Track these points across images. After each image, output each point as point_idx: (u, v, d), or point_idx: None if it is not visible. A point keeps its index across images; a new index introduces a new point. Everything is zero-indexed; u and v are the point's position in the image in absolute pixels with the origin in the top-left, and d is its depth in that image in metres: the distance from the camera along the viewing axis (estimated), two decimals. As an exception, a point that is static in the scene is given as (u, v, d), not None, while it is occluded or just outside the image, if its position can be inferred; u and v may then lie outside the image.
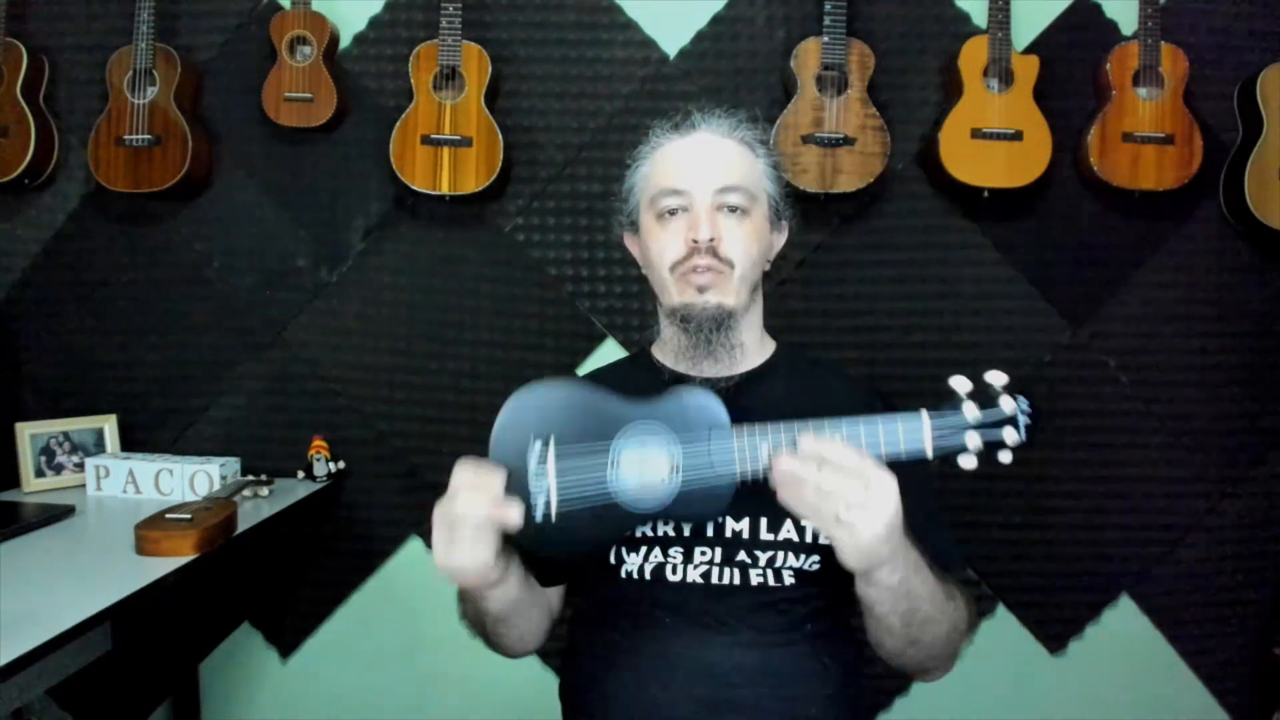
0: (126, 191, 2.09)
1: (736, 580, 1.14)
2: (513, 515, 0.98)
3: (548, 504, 1.01)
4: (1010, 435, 0.98)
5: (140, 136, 2.07)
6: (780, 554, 1.14)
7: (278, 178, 2.22)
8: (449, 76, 2.08)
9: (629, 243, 1.35)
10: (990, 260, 2.20)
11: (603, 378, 1.36)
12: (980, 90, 2.05)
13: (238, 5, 2.20)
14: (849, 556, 0.94)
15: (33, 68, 2.12)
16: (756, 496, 1.10)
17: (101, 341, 2.25)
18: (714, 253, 1.17)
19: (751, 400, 1.21)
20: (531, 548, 1.05)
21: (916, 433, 0.98)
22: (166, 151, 2.08)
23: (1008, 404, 0.99)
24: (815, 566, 1.15)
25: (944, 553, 1.18)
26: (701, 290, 1.18)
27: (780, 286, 2.18)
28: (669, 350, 1.28)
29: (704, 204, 1.18)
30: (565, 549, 1.06)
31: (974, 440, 0.98)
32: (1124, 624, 2.26)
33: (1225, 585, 2.25)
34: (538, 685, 2.21)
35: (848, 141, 2.05)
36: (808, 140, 2.05)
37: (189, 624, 2.14)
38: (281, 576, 2.27)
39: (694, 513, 1.04)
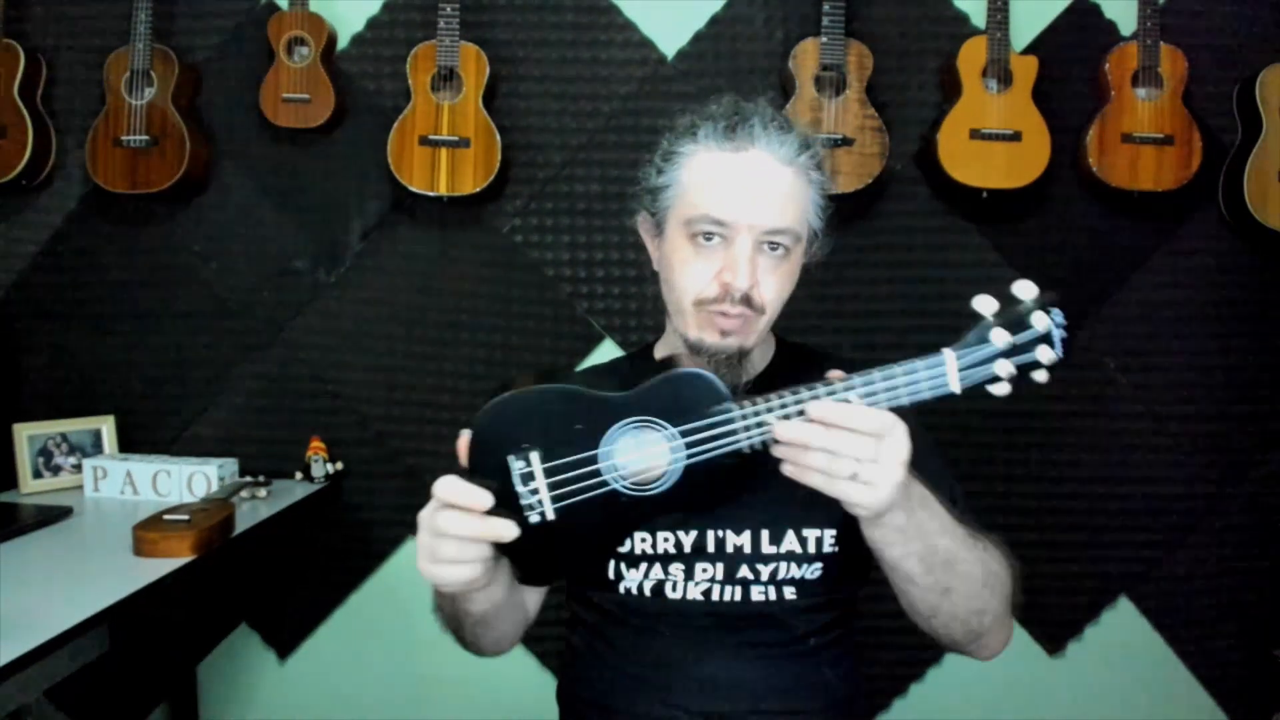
0: (124, 192, 2.09)
1: (738, 597, 1.12)
2: (506, 531, 0.89)
3: (542, 507, 0.93)
4: (1045, 354, 0.88)
5: (138, 137, 2.07)
6: (783, 565, 1.11)
7: (275, 179, 2.22)
8: (447, 77, 2.07)
9: (644, 230, 1.22)
10: (989, 261, 2.20)
11: (599, 375, 1.35)
12: (979, 91, 2.04)
13: (235, 6, 2.19)
14: (860, 510, 0.89)
15: (30, 68, 2.12)
16: (758, 509, 1.06)
17: (99, 342, 2.24)
18: (748, 300, 1.06)
19: None
20: (530, 550, 0.95)
21: (940, 375, 0.88)
22: (164, 152, 2.08)
23: (1040, 320, 0.88)
24: (816, 574, 1.12)
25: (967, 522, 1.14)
26: (725, 334, 1.08)
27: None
28: (669, 352, 1.24)
29: (744, 244, 1.05)
30: (570, 547, 0.97)
31: (1006, 368, 0.88)
32: (1123, 625, 2.26)
33: (1225, 585, 2.24)
34: (536, 686, 2.21)
35: (846, 142, 2.05)
36: (806, 141, 2.04)
37: (187, 625, 2.14)
38: (279, 578, 2.27)
39: (701, 498, 0.94)
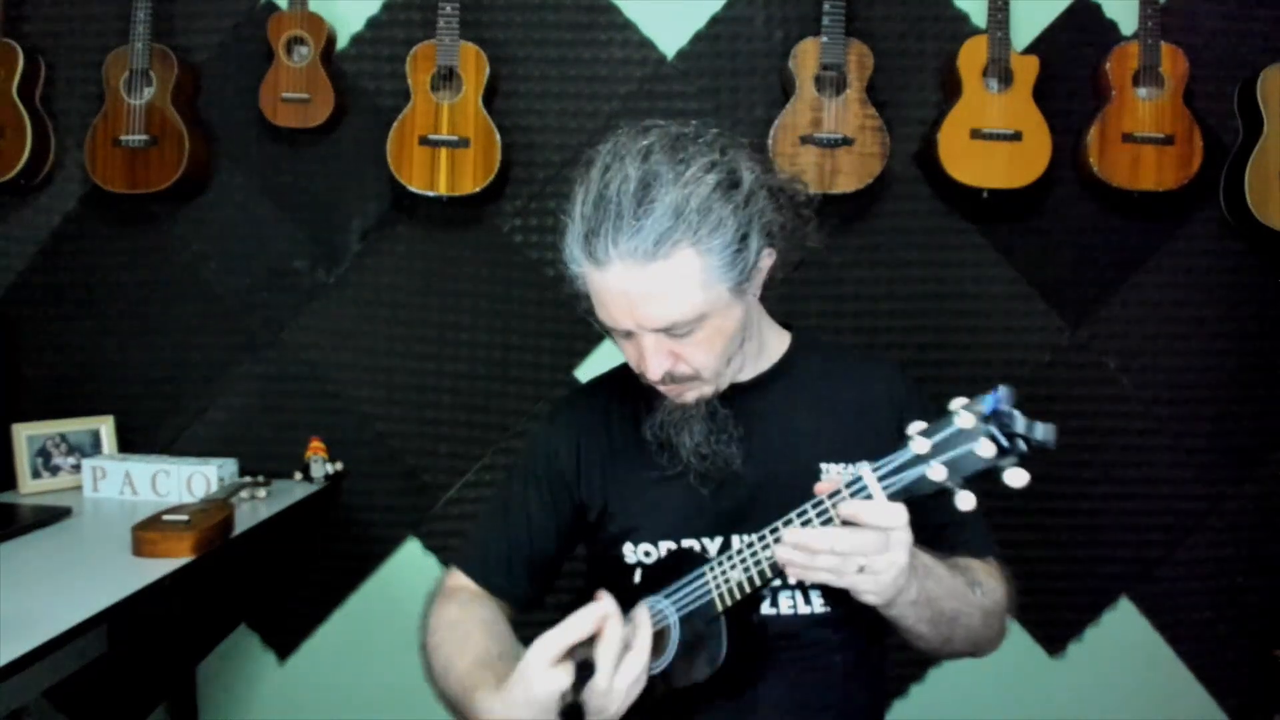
0: (123, 192, 2.08)
1: (767, 605, 1.12)
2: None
3: None
4: (986, 449, 0.87)
5: (137, 137, 2.07)
6: None
7: (275, 179, 2.22)
8: (446, 77, 2.07)
9: None
10: (990, 261, 2.19)
11: (599, 389, 1.33)
12: (979, 90, 2.04)
13: (234, 6, 2.19)
14: (872, 598, 0.95)
15: (29, 68, 2.11)
16: (779, 509, 1.07)
17: (98, 342, 2.24)
18: (674, 378, 1.09)
19: (761, 409, 1.18)
20: None
21: (862, 488, 0.93)
22: (163, 152, 2.08)
23: (964, 419, 0.87)
24: None
25: (976, 541, 1.19)
26: (679, 396, 1.13)
27: (780, 286, 2.17)
28: None
29: (648, 341, 1.05)
30: None
31: (938, 472, 0.89)
32: (1123, 626, 2.25)
33: (1225, 586, 2.24)
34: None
35: (846, 142, 2.05)
36: (806, 141, 2.04)
37: (186, 626, 2.14)
38: (279, 578, 2.27)
39: (696, 656, 1.04)
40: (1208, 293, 2.20)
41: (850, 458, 1.13)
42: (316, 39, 2.08)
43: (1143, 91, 2.06)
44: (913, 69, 2.16)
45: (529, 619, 1.24)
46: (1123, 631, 2.25)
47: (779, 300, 2.23)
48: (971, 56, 2.03)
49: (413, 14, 2.17)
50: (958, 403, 0.90)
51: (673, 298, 1.01)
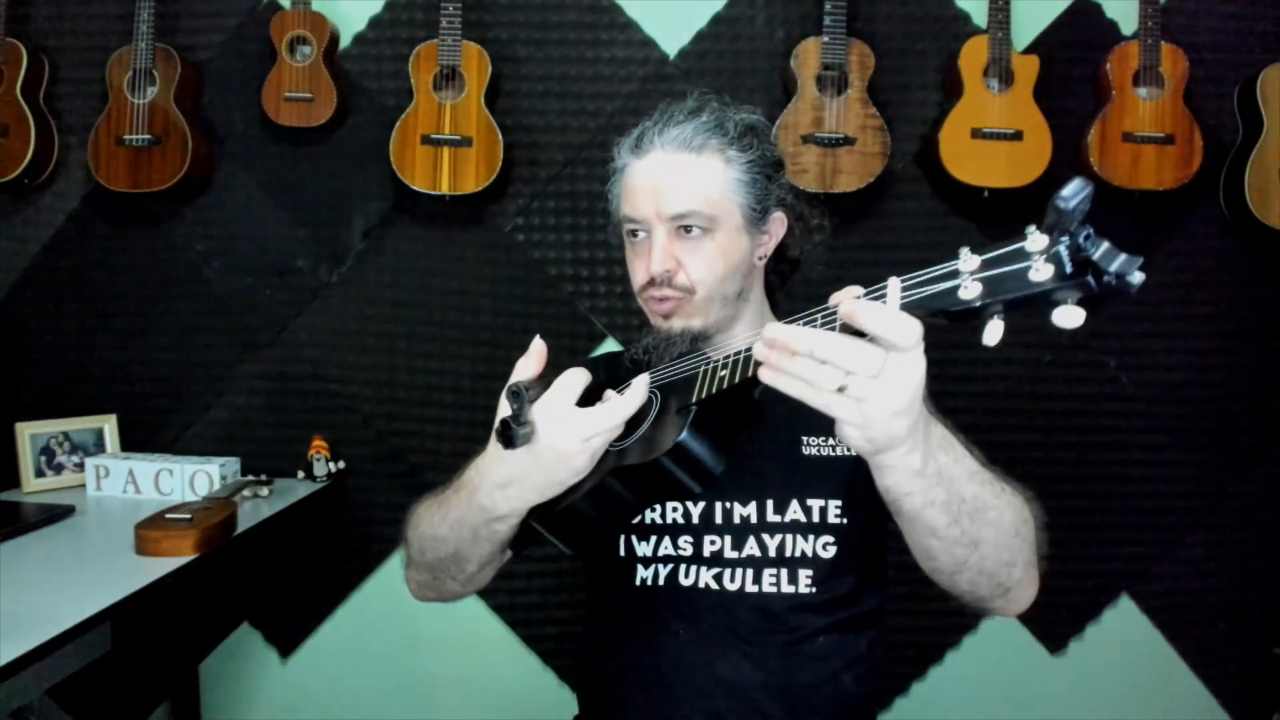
0: (126, 191, 2.09)
1: (749, 582, 1.13)
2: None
3: None
4: (1040, 273, 0.64)
5: (140, 136, 2.07)
6: (789, 539, 1.13)
7: (278, 178, 2.22)
8: (449, 76, 2.08)
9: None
10: (990, 260, 2.20)
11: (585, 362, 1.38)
12: (980, 90, 2.05)
13: (238, 5, 2.20)
14: (852, 436, 0.78)
15: (33, 67, 2.12)
16: (763, 479, 1.09)
17: (101, 341, 2.25)
18: (670, 283, 1.15)
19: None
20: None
21: (879, 295, 0.75)
22: (166, 151, 2.08)
23: (1036, 242, 0.64)
24: (829, 551, 1.13)
25: None
26: (666, 317, 1.17)
27: (781, 286, 2.18)
28: None
29: (659, 233, 1.14)
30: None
31: (970, 289, 0.70)
32: (1124, 624, 2.26)
33: (1225, 585, 2.25)
34: (536, 684, 2.21)
35: (848, 141, 2.05)
36: (808, 140, 2.05)
37: (189, 624, 2.14)
38: (281, 577, 2.27)
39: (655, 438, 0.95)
40: (1208, 292, 2.20)
41: (830, 433, 1.09)
42: (319, 38, 2.09)
43: (1143, 91, 2.06)
44: (914, 69, 2.16)
45: (506, 586, 1.24)
46: (1123, 629, 2.26)
47: (781, 299, 2.24)
48: (972, 56, 2.04)
49: (415, 14, 2.17)
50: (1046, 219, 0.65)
51: (693, 188, 1.14)
